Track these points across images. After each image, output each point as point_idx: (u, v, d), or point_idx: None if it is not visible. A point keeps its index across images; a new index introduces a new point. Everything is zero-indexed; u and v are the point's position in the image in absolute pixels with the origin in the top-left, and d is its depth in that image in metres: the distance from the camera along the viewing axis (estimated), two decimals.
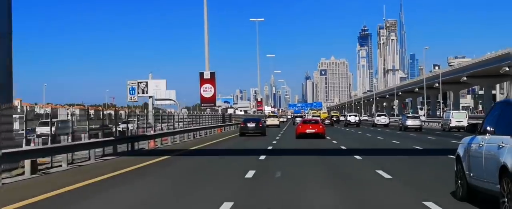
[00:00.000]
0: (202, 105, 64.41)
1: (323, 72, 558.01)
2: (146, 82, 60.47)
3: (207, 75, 61.62)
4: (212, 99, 62.34)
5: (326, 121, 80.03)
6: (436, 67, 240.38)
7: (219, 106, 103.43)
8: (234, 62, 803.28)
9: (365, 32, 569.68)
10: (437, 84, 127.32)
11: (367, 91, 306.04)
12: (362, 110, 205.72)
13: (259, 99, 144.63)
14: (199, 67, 73.84)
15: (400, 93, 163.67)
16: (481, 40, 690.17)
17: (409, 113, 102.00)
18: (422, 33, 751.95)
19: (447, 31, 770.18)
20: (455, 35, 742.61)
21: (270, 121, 74.53)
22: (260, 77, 75.78)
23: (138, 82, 60.71)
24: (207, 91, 60.90)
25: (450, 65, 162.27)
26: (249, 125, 44.89)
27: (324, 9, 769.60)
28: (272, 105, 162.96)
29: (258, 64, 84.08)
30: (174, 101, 50.43)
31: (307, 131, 37.97)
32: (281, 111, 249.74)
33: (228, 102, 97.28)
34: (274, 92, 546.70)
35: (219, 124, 59.23)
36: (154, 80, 56.53)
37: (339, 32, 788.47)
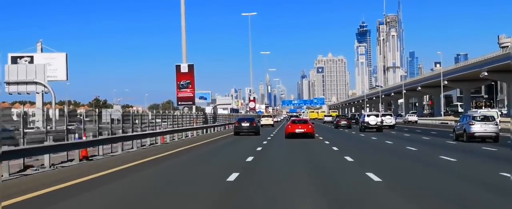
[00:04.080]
0: (179, 103, 56.86)
1: (320, 70, 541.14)
2: (32, 57, 38.91)
3: (184, 68, 54.13)
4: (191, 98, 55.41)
5: (342, 122, 66.17)
6: (437, 65, 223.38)
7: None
8: (228, 61, 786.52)
9: (364, 28, 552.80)
10: (446, 82, 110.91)
11: (377, 86, 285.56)
12: (358, 109, 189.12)
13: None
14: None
15: (405, 91, 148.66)
16: (483, 36, 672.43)
17: (487, 108, 72.19)
18: (421, 31, 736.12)
19: (447, 26, 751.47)
20: (455, 31, 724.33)
21: (264, 121, 76.22)
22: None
23: (16, 57, 38.19)
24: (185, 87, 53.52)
25: (503, 47, 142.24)
26: (243, 124, 45.44)
27: (321, 4, 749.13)
28: (252, 98, 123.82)
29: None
30: (45, 86, 28.06)
31: (297, 131, 38.63)
32: (273, 109, 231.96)
33: (205, 98, 79.20)
34: (269, 91, 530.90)
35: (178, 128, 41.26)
36: (45, 54, 35.36)
37: (336, 28, 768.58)
